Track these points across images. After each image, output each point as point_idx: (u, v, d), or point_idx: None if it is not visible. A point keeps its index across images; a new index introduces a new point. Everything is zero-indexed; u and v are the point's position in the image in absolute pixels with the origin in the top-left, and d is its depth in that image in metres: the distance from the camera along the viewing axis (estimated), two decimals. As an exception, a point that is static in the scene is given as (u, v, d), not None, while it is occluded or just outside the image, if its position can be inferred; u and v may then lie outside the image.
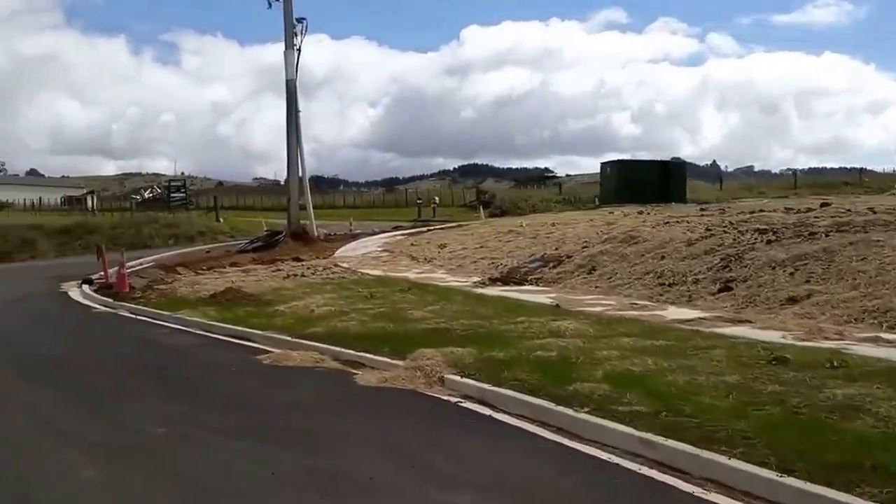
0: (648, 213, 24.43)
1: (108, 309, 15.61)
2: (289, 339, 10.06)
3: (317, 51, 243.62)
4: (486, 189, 51.48)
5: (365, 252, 22.82)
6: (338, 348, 9.14)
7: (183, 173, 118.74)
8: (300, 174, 27.12)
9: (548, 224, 23.91)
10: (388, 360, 8.35)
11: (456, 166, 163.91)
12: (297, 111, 26.96)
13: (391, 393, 7.40)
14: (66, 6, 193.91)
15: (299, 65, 27.01)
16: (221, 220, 38.11)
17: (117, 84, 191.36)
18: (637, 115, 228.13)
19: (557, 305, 11.57)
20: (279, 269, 19.81)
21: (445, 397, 7.13)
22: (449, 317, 10.81)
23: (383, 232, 31.00)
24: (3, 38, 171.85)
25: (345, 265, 20.16)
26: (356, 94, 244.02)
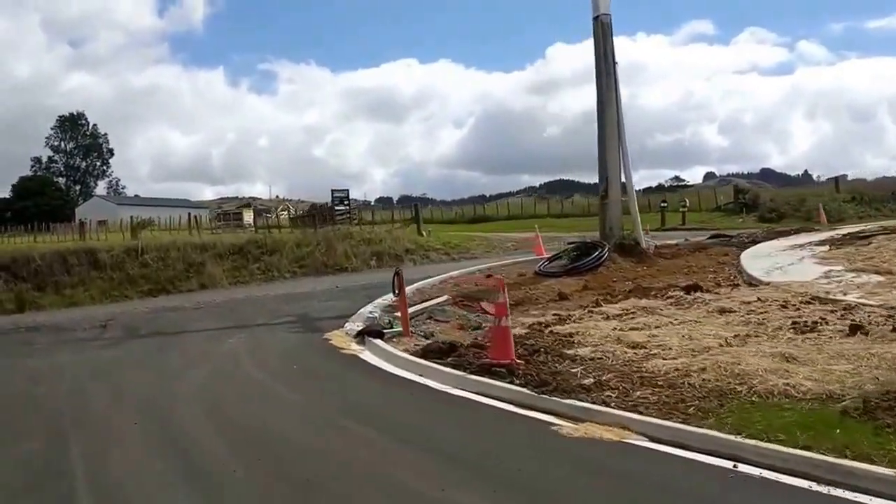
0: None
1: (509, 408, 7.44)
2: None
3: (406, 75, 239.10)
4: (744, 188, 40.99)
5: (812, 272, 13.45)
6: None
7: (277, 196, 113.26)
8: (621, 156, 18.04)
9: None
10: None
11: (542, 182, 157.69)
12: (612, 62, 17.99)
13: None
14: (171, 39, 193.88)
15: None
16: (425, 233, 29.44)
17: (216, 112, 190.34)
18: (725, 126, 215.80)
19: None
20: (705, 308, 11.01)
21: None
22: None
23: (768, 240, 21.20)
24: (113, 73, 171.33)
25: (817, 294, 11.08)
26: (444, 115, 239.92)
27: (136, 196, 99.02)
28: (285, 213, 46.30)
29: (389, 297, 15.66)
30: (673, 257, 17.35)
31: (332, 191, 34.66)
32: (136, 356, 11.86)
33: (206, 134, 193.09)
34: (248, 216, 38.57)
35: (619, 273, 16.04)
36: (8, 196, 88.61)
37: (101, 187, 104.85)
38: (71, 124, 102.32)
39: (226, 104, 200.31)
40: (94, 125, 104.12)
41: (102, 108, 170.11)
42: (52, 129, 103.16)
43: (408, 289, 17.03)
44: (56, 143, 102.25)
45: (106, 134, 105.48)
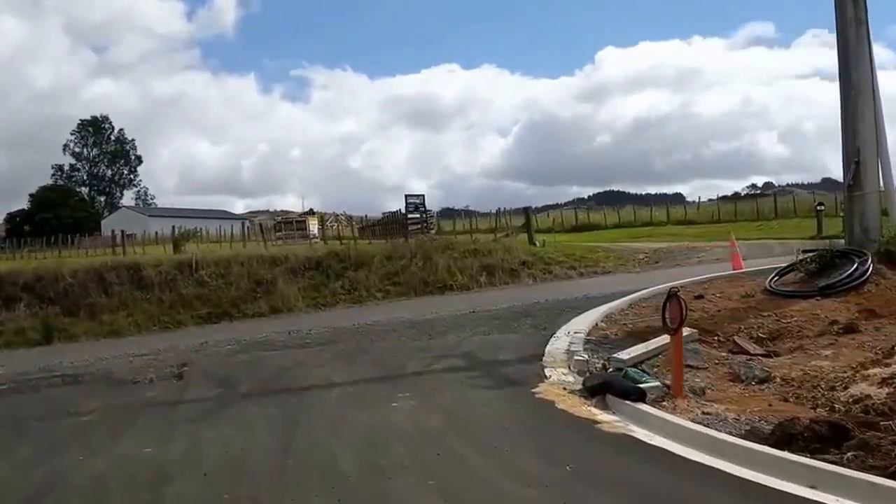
0: None
1: None
2: None
3: (447, 81, 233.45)
4: None
5: None
6: None
7: (312, 210, 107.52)
8: (878, 130, 12.97)
9: None
10: None
11: (591, 194, 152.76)
12: (864, 5, 12.96)
13: None
14: (201, 44, 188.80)
15: None
16: (538, 243, 24.40)
17: (247, 121, 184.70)
18: (784, 135, 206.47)
19: None
20: None
21: None
22: None
23: None
24: (138, 80, 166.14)
25: None
26: (488, 123, 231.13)
27: (169, 207, 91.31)
28: (336, 224, 41.42)
29: (578, 328, 11.07)
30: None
31: (406, 196, 29.79)
32: (262, 442, 6.84)
33: (235, 144, 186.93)
34: (314, 225, 33.73)
35: (888, 291, 10.96)
36: (26, 207, 79.82)
37: (127, 197, 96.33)
38: (94, 129, 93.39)
39: (257, 112, 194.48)
40: (121, 129, 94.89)
41: (127, 116, 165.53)
42: (72, 134, 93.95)
43: (593, 314, 12.20)
44: (78, 150, 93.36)
45: (133, 140, 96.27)
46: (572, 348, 9.78)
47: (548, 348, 10.26)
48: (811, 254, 13.10)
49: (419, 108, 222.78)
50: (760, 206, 38.01)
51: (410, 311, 15.72)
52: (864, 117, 13.00)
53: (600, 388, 7.70)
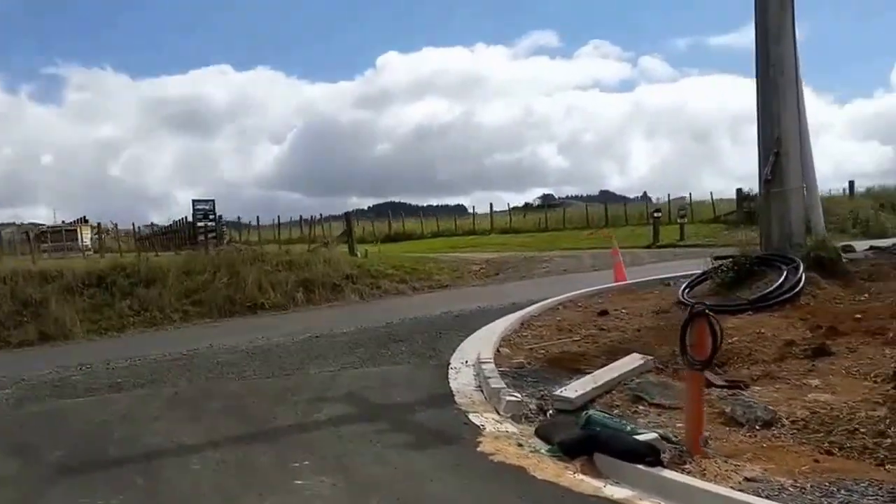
0: None
1: None
2: None
3: (219, 83, 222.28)
4: (750, 194, 33.54)
5: None
6: None
7: (64, 221, 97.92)
8: (800, 117, 12.02)
9: None
10: None
11: (370, 205, 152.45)
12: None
13: None
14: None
15: None
16: (359, 253, 21.97)
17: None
18: (565, 146, 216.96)
19: None
20: None
21: None
22: None
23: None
24: None
25: None
26: (262, 129, 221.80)
27: None
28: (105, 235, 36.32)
29: (476, 355, 8.98)
30: (875, 279, 11.38)
31: (194, 201, 26.09)
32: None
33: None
34: (87, 235, 28.58)
35: (839, 305, 9.87)
36: None
37: None
38: None
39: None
40: None
41: None
42: None
43: (485, 337, 10.10)
44: None
45: None
46: (492, 384, 7.59)
47: (453, 385, 8.08)
48: (725, 261, 11.79)
49: (187, 112, 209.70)
50: (591, 213, 37.84)
51: (231, 337, 12.77)
52: (785, 101, 11.77)
53: (584, 446, 5.59)
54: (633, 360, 7.79)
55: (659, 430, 5.78)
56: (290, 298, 18.07)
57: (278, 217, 41.49)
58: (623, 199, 42.41)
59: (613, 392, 7.14)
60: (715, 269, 11.59)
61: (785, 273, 10.63)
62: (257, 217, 45.06)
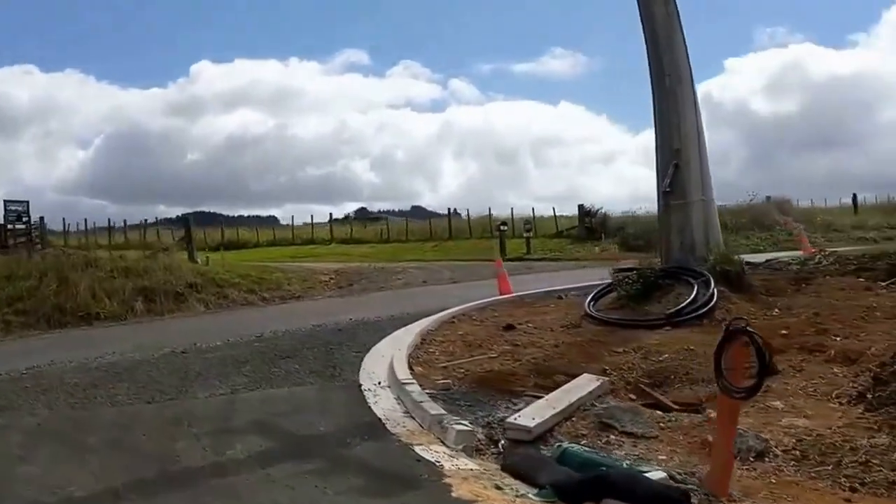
0: None
1: None
2: None
3: (23, 83, 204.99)
4: (591, 209, 32.19)
5: None
6: None
7: None
8: (698, 122, 11.88)
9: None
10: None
11: (180, 214, 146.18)
12: (673, -2, 11.97)
13: None
14: None
15: None
16: (199, 260, 20.12)
17: None
18: (377, 162, 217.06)
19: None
20: None
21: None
22: None
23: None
24: None
25: None
26: (67, 133, 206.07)
27: None
28: None
29: (389, 374, 8.14)
30: (774, 294, 11.28)
31: (6, 202, 22.85)
32: None
33: None
34: None
35: (754, 321, 9.59)
36: None
37: None
38: None
39: None
40: None
41: None
42: None
43: (387, 352, 9.04)
44: None
45: None
46: (429, 410, 6.54)
47: (377, 410, 6.95)
48: (630, 273, 11.33)
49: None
50: (434, 226, 36.92)
51: (72, 351, 10.71)
52: (684, 110, 11.54)
53: (591, 491, 4.66)
54: (588, 382, 7.00)
55: (659, 468, 5.02)
56: (129, 308, 16.04)
57: (85, 221, 38.27)
58: (433, 215, 42.07)
59: (575, 419, 6.31)
60: (619, 281, 11.13)
61: (696, 287, 10.34)
62: (63, 220, 40.99)
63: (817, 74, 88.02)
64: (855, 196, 38.95)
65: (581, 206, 32.27)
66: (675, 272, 11.00)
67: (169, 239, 33.74)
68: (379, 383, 7.85)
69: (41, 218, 24.08)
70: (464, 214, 38.85)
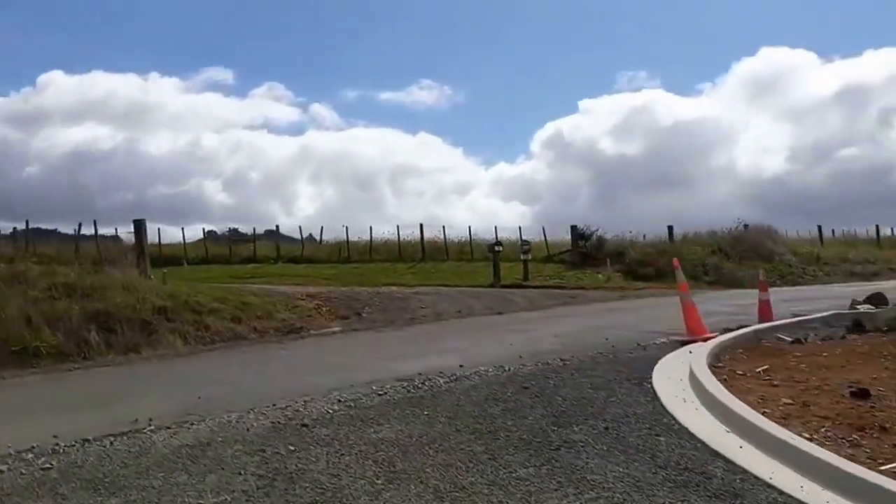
0: None
1: None
2: None
3: None
4: (585, 231, 29.44)
5: None
6: None
7: None
8: None
9: None
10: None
11: (16, 229, 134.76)
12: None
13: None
14: None
15: None
16: (153, 277, 15.97)
17: None
18: (231, 183, 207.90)
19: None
20: None
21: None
22: None
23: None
24: None
25: None
26: None
27: None
28: None
29: None
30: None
31: None
32: None
33: None
34: None
35: None
36: None
37: None
38: None
39: None
40: None
41: None
42: None
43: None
44: None
45: None
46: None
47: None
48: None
49: None
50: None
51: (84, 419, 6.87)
52: None
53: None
54: None
55: None
56: (80, 340, 11.89)
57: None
58: (290, 239, 38.41)
59: None
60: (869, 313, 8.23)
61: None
62: None
63: (664, 119, 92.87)
64: (820, 227, 37.67)
65: (574, 228, 29.28)
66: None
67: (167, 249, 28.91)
68: None
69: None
70: (319, 240, 36.30)
